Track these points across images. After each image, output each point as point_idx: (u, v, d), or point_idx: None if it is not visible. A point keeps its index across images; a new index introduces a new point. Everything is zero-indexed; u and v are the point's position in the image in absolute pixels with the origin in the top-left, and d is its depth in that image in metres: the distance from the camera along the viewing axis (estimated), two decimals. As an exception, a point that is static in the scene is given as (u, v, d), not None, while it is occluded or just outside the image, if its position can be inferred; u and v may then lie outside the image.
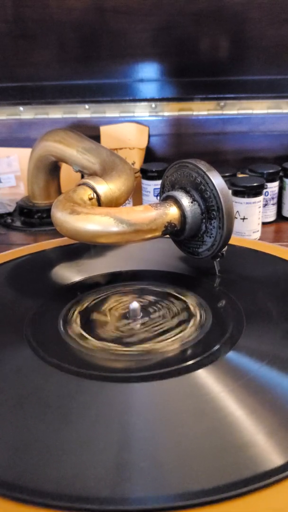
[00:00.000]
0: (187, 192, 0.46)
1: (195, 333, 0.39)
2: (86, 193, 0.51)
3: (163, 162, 0.79)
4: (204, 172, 0.44)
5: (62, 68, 0.83)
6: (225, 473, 0.26)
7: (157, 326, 0.41)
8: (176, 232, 0.46)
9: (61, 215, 0.45)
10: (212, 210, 0.45)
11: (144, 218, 0.43)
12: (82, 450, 0.27)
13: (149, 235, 0.44)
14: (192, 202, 0.45)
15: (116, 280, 0.49)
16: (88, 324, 0.41)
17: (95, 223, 0.43)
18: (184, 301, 0.44)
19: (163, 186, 0.50)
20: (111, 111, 0.86)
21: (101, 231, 0.43)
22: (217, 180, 0.44)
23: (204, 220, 0.46)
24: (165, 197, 0.47)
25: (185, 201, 0.45)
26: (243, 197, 0.64)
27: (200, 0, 0.72)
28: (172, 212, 0.45)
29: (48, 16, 0.74)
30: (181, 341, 0.38)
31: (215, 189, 0.43)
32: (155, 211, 0.44)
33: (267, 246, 0.55)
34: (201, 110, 0.85)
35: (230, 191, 0.46)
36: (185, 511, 0.24)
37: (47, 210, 0.70)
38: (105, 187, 0.53)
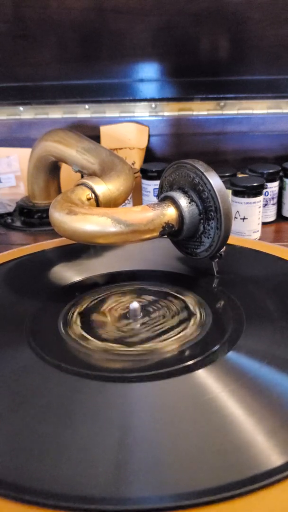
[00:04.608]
0: (185, 192, 0.46)
1: (195, 332, 0.39)
2: (84, 194, 0.51)
3: (163, 162, 0.79)
4: (202, 173, 0.44)
5: (62, 68, 0.83)
6: (225, 473, 0.26)
7: (157, 326, 0.41)
8: (174, 233, 0.46)
9: (58, 216, 0.45)
10: (210, 210, 0.45)
11: (141, 219, 0.43)
12: (82, 450, 0.27)
13: (147, 236, 0.44)
14: (190, 203, 0.45)
15: (115, 280, 0.49)
16: (88, 324, 0.41)
17: (92, 223, 0.43)
18: (184, 301, 0.44)
19: (161, 186, 0.50)
20: (111, 111, 0.86)
21: (98, 231, 0.43)
22: (215, 181, 0.44)
23: (202, 221, 0.46)
24: (163, 197, 0.47)
25: (183, 201, 0.45)
26: (243, 197, 0.64)
27: (200, 0, 0.72)
28: (170, 212, 0.45)
29: (48, 16, 0.74)
30: (181, 340, 0.38)
31: (213, 189, 0.43)
32: (152, 212, 0.44)
33: (267, 246, 0.55)
34: (201, 110, 0.85)
35: (228, 192, 0.46)
36: (185, 511, 0.24)
37: (47, 210, 0.71)
38: (104, 188, 0.53)
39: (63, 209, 0.45)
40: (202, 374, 0.34)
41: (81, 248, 0.56)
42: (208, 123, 0.85)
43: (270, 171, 0.71)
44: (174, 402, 0.31)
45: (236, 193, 0.64)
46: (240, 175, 0.72)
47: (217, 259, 0.48)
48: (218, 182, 0.44)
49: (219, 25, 0.76)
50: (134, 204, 0.76)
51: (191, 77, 0.83)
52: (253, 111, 0.85)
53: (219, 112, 0.85)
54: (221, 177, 0.45)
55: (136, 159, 0.83)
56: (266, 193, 0.71)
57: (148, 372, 0.34)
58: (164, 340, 0.38)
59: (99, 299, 0.45)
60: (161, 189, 0.50)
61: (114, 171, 0.55)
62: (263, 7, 0.73)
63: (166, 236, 0.46)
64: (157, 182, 0.71)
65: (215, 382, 0.33)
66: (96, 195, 0.52)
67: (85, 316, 0.42)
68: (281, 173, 0.73)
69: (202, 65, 0.82)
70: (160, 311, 0.43)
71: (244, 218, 0.64)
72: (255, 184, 0.63)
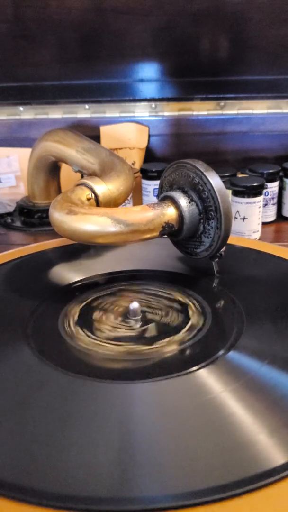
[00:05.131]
0: (185, 192, 0.46)
1: (195, 332, 0.39)
2: (84, 194, 0.51)
3: (163, 162, 0.79)
4: (202, 172, 0.44)
5: (62, 68, 0.83)
6: (226, 473, 0.26)
7: (157, 325, 0.41)
8: (174, 233, 0.46)
9: (58, 215, 0.45)
10: (210, 210, 0.45)
11: (141, 219, 0.43)
12: (82, 450, 0.27)
13: (147, 235, 0.44)
14: (190, 203, 0.45)
15: (115, 280, 0.49)
16: (88, 324, 0.41)
17: (92, 223, 0.43)
18: (184, 301, 0.44)
19: (161, 186, 0.50)
20: (111, 111, 0.86)
21: (98, 231, 0.43)
22: (215, 181, 0.44)
23: (202, 221, 0.46)
24: (162, 197, 0.47)
25: (183, 201, 0.45)
26: (243, 197, 0.64)
27: (200, 0, 0.72)
28: (170, 212, 0.45)
29: (48, 16, 0.74)
30: (181, 340, 0.38)
31: (213, 189, 0.43)
32: (152, 212, 0.44)
33: (267, 246, 0.55)
34: (201, 110, 0.85)
35: (228, 192, 0.46)
36: (187, 510, 0.24)
37: (47, 210, 0.71)
38: (104, 188, 0.53)
39: (63, 209, 0.45)
40: (203, 374, 0.34)
41: (81, 248, 0.56)
42: (208, 123, 0.85)
43: (270, 171, 0.71)
44: (175, 402, 0.31)
45: (236, 193, 0.64)
46: (240, 175, 0.72)
47: (217, 259, 0.48)
48: (218, 182, 0.44)
49: (219, 25, 0.76)
50: (134, 204, 0.76)
51: (191, 77, 0.83)
52: (253, 111, 0.85)
53: (219, 112, 0.85)
54: (221, 177, 0.45)
55: (136, 159, 0.83)
56: (266, 193, 0.71)
57: (148, 372, 0.34)
58: (164, 340, 0.38)
59: (99, 299, 0.45)
60: (161, 189, 0.50)
61: (114, 171, 0.55)
62: (263, 7, 0.73)
63: (166, 236, 0.46)
64: (157, 182, 0.71)
65: (215, 382, 0.33)
66: (96, 195, 0.52)
67: (85, 316, 0.42)
68: (281, 173, 0.73)
69: (202, 65, 0.82)
70: (160, 311, 0.43)
71: (244, 218, 0.64)
72: (255, 184, 0.63)
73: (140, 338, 0.39)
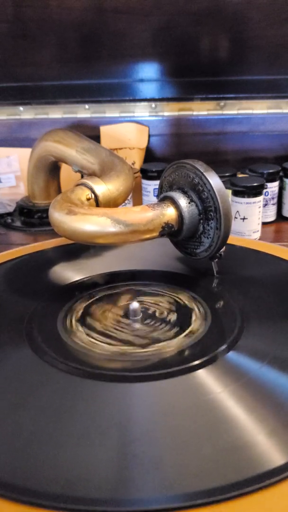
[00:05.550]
0: (184, 192, 0.46)
1: (195, 333, 0.39)
2: (84, 194, 0.51)
3: (163, 162, 0.79)
4: (202, 173, 0.44)
5: (62, 68, 0.83)
6: (225, 474, 0.26)
7: (157, 326, 0.41)
8: (173, 233, 0.46)
9: (58, 216, 0.45)
10: (210, 210, 0.45)
11: (141, 219, 0.43)
12: (81, 451, 0.27)
13: (146, 236, 0.44)
14: (189, 203, 0.45)
15: (115, 280, 0.49)
16: (88, 324, 0.41)
17: (92, 223, 0.43)
18: (184, 302, 0.44)
19: (161, 186, 0.50)
20: (111, 111, 0.86)
21: (98, 231, 0.43)
22: (215, 181, 0.44)
23: (201, 221, 0.46)
24: (162, 197, 0.47)
25: (183, 201, 0.45)
26: (243, 197, 0.64)
27: (200, 0, 0.72)
28: (170, 212, 0.45)
29: (48, 16, 0.74)
30: (181, 340, 0.38)
31: (213, 189, 0.43)
32: (152, 212, 0.44)
33: (267, 246, 0.55)
34: (201, 110, 0.85)
35: (227, 192, 0.46)
36: (186, 511, 0.24)
37: (47, 210, 0.71)
38: (103, 188, 0.53)
39: (62, 209, 0.45)
40: (202, 374, 0.34)
41: (81, 248, 0.56)
42: (208, 123, 0.85)
43: (270, 171, 0.71)
44: (174, 402, 0.31)
45: (236, 193, 0.64)
46: (240, 175, 0.72)
47: (216, 259, 0.48)
48: (218, 182, 0.44)
49: (219, 25, 0.76)
50: (134, 204, 0.76)
51: (191, 77, 0.83)
52: (253, 111, 0.85)
53: (219, 112, 0.85)
54: (221, 177, 0.45)
55: (136, 159, 0.83)
56: (266, 193, 0.71)
57: (148, 372, 0.34)
58: (164, 340, 0.38)
59: (99, 299, 0.45)
60: (160, 189, 0.50)
61: (114, 171, 0.55)
62: (263, 7, 0.73)
63: (165, 236, 0.46)
64: (157, 182, 0.71)
65: (215, 382, 0.33)
66: (95, 195, 0.52)
67: (84, 316, 0.42)
68: (281, 173, 0.73)
69: (202, 65, 0.82)
70: (160, 311, 0.43)
71: (244, 218, 0.64)
72: (255, 184, 0.63)
73: (139, 338, 0.39)
